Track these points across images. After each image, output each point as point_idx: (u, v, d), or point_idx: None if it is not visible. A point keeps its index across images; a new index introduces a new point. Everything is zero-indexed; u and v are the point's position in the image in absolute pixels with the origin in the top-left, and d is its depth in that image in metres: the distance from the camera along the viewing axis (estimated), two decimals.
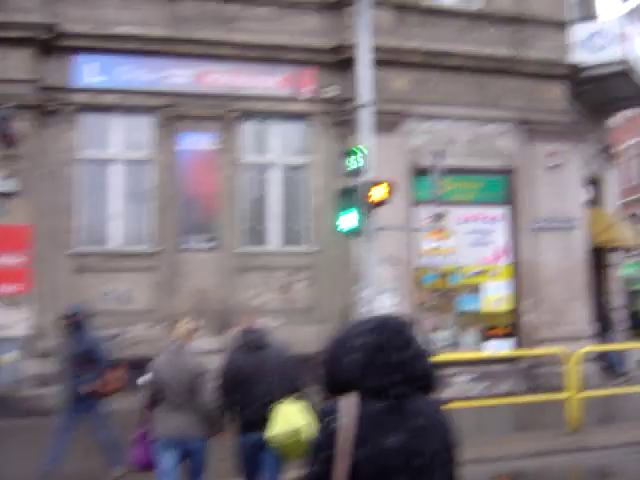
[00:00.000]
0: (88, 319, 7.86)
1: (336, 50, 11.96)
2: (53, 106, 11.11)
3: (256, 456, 5.09)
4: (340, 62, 11.94)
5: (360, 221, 8.67)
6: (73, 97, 11.30)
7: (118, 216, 11.50)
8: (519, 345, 12.54)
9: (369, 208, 8.58)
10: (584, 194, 13.55)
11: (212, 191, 11.67)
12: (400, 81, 12.24)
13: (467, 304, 12.52)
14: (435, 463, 1.98)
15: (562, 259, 12.76)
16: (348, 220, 8.79)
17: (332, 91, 12.06)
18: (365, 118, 9.01)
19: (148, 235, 11.58)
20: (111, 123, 11.65)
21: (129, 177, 11.65)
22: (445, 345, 12.18)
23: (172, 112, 11.57)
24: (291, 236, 12.31)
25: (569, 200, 12.97)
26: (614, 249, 15.18)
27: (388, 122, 11.74)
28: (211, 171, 11.71)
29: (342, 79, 12.03)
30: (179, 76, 11.66)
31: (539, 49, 12.91)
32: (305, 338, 10.09)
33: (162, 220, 11.53)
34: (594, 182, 14.72)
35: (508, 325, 12.69)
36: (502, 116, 12.69)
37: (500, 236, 12.78)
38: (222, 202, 11.69)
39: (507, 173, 12.86)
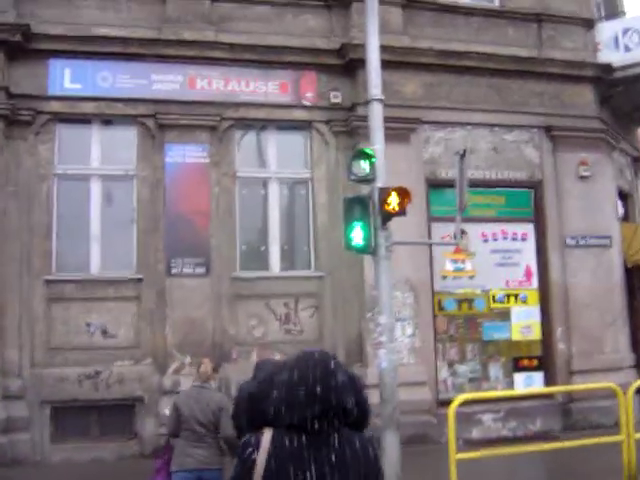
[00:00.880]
0: None
1: (340, 51, 10.79)
2: (25, 116, 9.96)
3: None
4: (344, 65, 10.81)
5: (374, 235, 7.35)
6: (48, 106, 10.13)
7: (99, 238, 10.25)
8: (551, 378, 11.16)
9: (385, 219, 7.27)
10: (619, 208, 12.26)
11: (204, 209, 10.42)
12: (412, 85, 11.05)
13: (493, 332, 11.17)
14: None
15: (597, 280, 11.41)
16: (359, 235, 7.46)
17: (337, 96, 10.86)
18: (376, 117, 7.74)
19: (132, 259, 10.32)
20: (90, 134, 10.49)
21: (111, 194, 10.45)
22: (470, 378, 10.84)
23: (158, 121, 10.39)
24: (294, 259, 11.11)
25: (603, 214, 11.67)
26: None
27: (400, 130, 10.53)
28: (202, 187, 10.46)
29: (347, 83, 10.90)
30: (166, 82, 10.49)
31: (564, 49, 11.72)
32: None
33: (148, 242, 10.29)
34: (624, 196, 13.42)
35: (538, 355, 11.32)
36: (525, 122, 11.45)
37: (527, 256, 11.47)
38: (215, 221, 10.46)
39: (533, 185, 11.57)
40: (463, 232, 9.31)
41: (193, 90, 10.56)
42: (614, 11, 13.55)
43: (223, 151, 10.68)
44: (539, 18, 11.76)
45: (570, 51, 11.73)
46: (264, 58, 10.65)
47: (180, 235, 10.26)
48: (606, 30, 11.99)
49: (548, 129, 11.52)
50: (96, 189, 10.39)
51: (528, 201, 11.64)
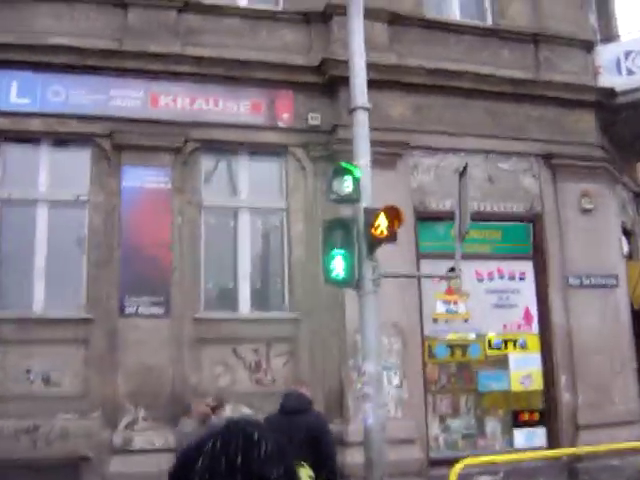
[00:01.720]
0: None
1: (320, 67, 9.80)
2: None
3: None
4: (324, 83, 9.82)
5: (358, 266, 6.18)
6: None
7: (43, 272, 9.02)
8: (555, 434, 9.94)
9: (372, 246, 6.11)
10: (624, 244, 11.23)
11: (164, 241, 9.23)
12: (399, 107, 10.04)
13: (490, 382, 9.97)
14: None
15: (603, 323, 10.29)
16: (340, 265, 6.29)
17: (315, 118, 9.82)
18: (361, 129, 6.65)
19: (81, 296, 9.07)
20: (39, 155, 9.35)
21: (59, 222, 9.25)
22: (464, 435, 9.60)
23: (115, 142, 9.28)
24: (266, 298, 9.93)
25: (608, 251, 10.61)
26: None
27: (385, 155, 9.46)
28: (163, 215, 9.30)
29: (327, 103, 9.89)
30: (126, 98, 9.41)
31: (563, 72, 10.81)
32: None
33: (99, 277, 9.07)
34: (627, 233, 12.41)
35: (540, 409, 10.12)
36: (522, 149, 10.45)
37: (526, 296, 10.35)
38: (177, 255, 9.28)
39: (531, 219, 10.52)
40: (453, 270, 8.07)
41: (155, 108, 9.48)
42: (610, 35, 12.78)
43: (187, 176, 9.55)
44: (536, 38, 10.89)
45: (569, 74, 10.82)
46: (235, 74, 9.61)
47: (136, 270, 9.04)
48: (606, 53, 11.16)
49: (547, 157, 10.53)
50: (43, 216, 9.19)
51: (526, 236, 10.57)
